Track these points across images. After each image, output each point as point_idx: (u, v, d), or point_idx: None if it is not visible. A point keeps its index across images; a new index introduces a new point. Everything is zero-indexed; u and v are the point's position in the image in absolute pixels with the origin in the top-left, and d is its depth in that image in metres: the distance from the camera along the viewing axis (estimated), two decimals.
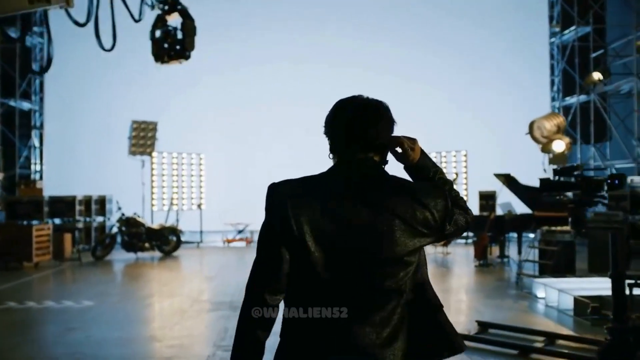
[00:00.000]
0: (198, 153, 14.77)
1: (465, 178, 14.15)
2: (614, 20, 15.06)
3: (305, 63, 15.33)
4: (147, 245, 12.07)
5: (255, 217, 14.92)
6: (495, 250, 10.61)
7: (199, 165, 14.78)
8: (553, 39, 16.19)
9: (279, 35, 15.59)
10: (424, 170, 1.70)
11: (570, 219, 4.56)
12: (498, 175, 11.16)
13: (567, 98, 15.75)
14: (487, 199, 13.41)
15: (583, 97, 15.06)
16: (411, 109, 15.52)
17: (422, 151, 1.71)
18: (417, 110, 15.27)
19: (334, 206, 1.56)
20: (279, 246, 1.57)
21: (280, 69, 15.33)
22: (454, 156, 14.16)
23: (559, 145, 11.99)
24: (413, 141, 1.70)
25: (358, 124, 1.63)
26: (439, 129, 15.38)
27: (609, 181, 4.60)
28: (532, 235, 12.83)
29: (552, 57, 16.30)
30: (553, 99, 16.21)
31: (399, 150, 1.68)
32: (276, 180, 1.64)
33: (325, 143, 1.70)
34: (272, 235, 1.59)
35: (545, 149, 12.33)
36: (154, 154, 14.02)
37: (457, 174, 12.33)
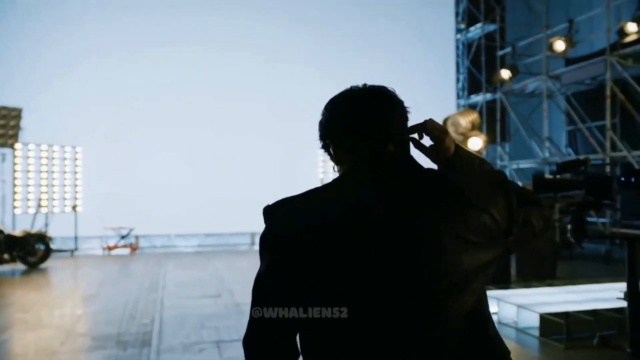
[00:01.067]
0: (73, 146, 12.62)
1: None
2: (522, 19, 14.99)
3: (208, 48, 13.66)
4: (6, 256, 9.90)
5: (141, 220, 13.11)
6: None
7: (74, 160, 12.61)
8: (459, 36, 15.86)
9: (172, 18, 13.80)
10: (464, 164, 1.26)
11: (569, 227, 3.57)
12: None
13: (473, 96, 15.47)
14: None
15: (489, 96, 14.82)
16: (315, 102, 14.54)
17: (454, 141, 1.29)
18: (320, 104, 14.29)
19: (360, 233, 1.15)
20: (290, 300, 1.17)
21: (179, 53, 13.54)
22: None
23: (476, 143, 11.41)
24: (443, 129, 1.27)
25: (366, 117, 1.24)
26: None
27: (622, 179, 3.66)
28: None
29: (458, 54, 15.97)
30: (459, 97, 15.88)
31: (425, 142, 1.28)
32: (269, 203, 1.24)
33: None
34: (279, 286, 1.18)
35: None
36: (18, 145, 11.73)
37: None
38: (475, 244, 1.18)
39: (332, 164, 1.30)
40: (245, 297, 6.74)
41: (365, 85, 1.30)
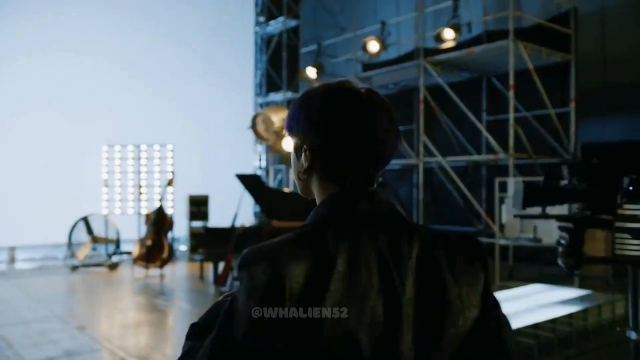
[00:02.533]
0: None
1: (169, 179, 11.39)
2: (321, 18, 14.52)
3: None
4: None
5: None
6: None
7: None
8: (257, 29, 14.79)
9: None
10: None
11: (560, 250, 2.63)
12: (240, 177, 8.91)
13: (272, 94, 14.53)
14: (199, 205, 11.01)
15: (289, 95, 14.03)
16: (104, 98, 12.08)
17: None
18: (109, 99, 11.95)
19: (369, 287, 0.93)
20: None
21: None
22: (158, 151, 11.27)
23: (290, 143, 10.41)
24: None
25: (375, 130, 1.03)
26: (135, 118, 12.26)
27: (631, 188, 2.84)
28: None
29: (257, 48, 14.87)
30: (258, 94, 14.78)
31: None
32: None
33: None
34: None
35: (275, 147, 10.61)
36: None
37: (173, 173, 9.55)
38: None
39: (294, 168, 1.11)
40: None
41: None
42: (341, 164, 1.03)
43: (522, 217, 4.32)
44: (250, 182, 8.35)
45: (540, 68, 9.59)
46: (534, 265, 9.72)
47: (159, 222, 8.99)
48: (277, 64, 14.42)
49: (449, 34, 9.82)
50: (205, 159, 12.56)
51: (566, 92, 10.13)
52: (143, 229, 10.38)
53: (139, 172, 11.11)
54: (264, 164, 14.77)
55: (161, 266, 8.90)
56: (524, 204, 2.83)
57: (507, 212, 8.29)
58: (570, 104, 10.06)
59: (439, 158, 10.17)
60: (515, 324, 4.76)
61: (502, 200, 8.40)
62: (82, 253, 9.89)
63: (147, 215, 9.21)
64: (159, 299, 7.54)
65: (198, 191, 11.22)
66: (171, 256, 9.14)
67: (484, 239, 9.82)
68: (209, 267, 8.95)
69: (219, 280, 7.64)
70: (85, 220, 10.07)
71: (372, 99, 1.06)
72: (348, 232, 0.96)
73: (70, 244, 9.99)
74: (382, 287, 0.93)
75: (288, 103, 13.82)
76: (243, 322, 0.90)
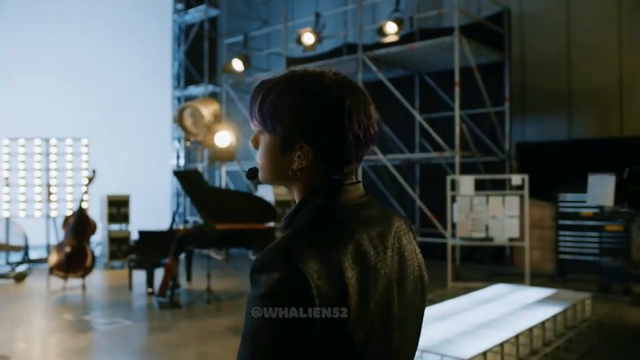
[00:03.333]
0: None
1: (89, 178, 10.16)
2: (241, 9, 13.81)
3: None
4: None
5: None
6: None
7: None
8: (176, 17, 13.75)
9: None
10: None
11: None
12: (179, 173, 8.06)
13: (192, 87, 13.56)
14: (119, 206, 9.94)
15: (210, 88, 13.17)
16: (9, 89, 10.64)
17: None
18: (9, 83, 10.53)
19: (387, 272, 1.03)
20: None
21: None
22: (70, 145, 10.02)
23: (224, 138, 9.61)
24: None
25: (364, 122, 1.06)
26: (44, 109, 10.87)
27: None
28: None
29: (174, 38, 13.82)
30: (176, 87, 13.73)
31: None
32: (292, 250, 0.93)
33: None
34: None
35: (207, 142, 9.77)
36: None
37: (95, 171, 8.41)
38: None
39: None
40: None
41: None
42: (342, 158, 1.05)
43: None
44: (190, 179, 7.53)
45: (475, 67, 9.57)
46: (470, 264, 9.69)
47: (80, 226, 7.90)
48: (196, 56, 13.50)
49: (391, 27, 9.52)
50: (122, 156, 11.42)
51: (502, 91, 10.22)
52: (55, 234, 9.15)
53: (48, 170, 9.82)
54: (182, 162, 13.77)
55: (83, 276, 7.81)
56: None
57: (459, 211, 8.11)
58: (505, 104, 10.17)
59: (380, 156, 9.87)
60: (511, 331, 4.46)
61: (453, 199, 8.22)
62: None
63: (66, 219, 8.07)
64: (91, 315, 6.54)
65: (115, 191, 10.11)
66: (94, 264, 8.07)
67: (430, 239, 9.65)
68: (137, 276, 8.01)
69: (160, 289, 6.76)
70: None
71: (364, 92, 1.08)
72: (350, 224, 1.01)
73: None
74: (382, 268, 1.01)
75: (211, 96, 12.95)
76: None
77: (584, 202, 7.83)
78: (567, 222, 8.47)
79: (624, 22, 9.72)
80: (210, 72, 13.15)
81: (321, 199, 1.03)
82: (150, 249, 7.15)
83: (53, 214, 9.85)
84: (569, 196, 8.42)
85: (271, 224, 7.47)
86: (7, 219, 9.14)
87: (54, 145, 9.87)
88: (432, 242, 9.60)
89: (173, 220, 7.33)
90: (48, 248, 9.79)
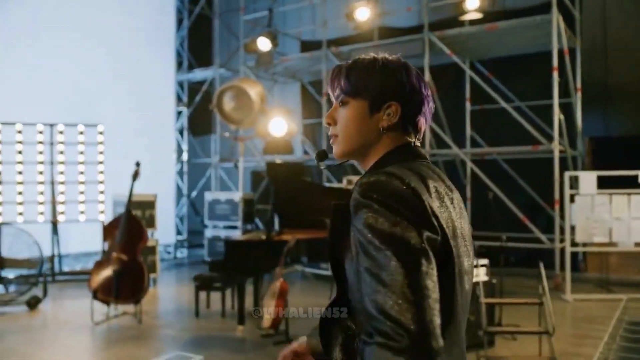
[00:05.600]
0: None
1: (102, 172, 8.16)
2: None
3: None
4: None
5: None
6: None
7: None
8: None
9: None
10: None
11: None
12: (272, 165, 6.43)
13: (197, 70, 11.70)
14: (145, 208, 8.07)
15: (222, 71, 11.41)
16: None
17: None
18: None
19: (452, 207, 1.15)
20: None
21: None
22: (81, 133, 8.02)
23: (280, 126, 7.96)
24: None
25: (431, 99, 1.28)
26: (53, 94, 8.73)
27: None
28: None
29: (179, 13, 11.87)
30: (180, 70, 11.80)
31: None
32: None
33: None
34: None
35: (260, 131, 8.07)
36: None
37: (139, 164, 6.49)
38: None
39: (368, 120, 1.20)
40: None
41: None
42: (419, 122, 1.22)
43: None
44: (285, 172, 5.92)
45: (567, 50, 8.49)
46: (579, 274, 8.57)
47: (131, 235, 6.04)
48: (201, 35, 11.68)
49: (472, 3, 8.27)
50: (121, 150, 9.45)
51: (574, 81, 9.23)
52: (57, 244, 7.18)
53: (52, 163, 7.78)
54: (185, 156, 11.87)
55: (137, 301, 5.97)
56: None
57: (578, 212, 7.00)
58: (577, 94, 9.21)
59: (456, 149, 8.60)
60: None
61: (572, 199, 7.09)
62: None
63: (110, 226, 6.16)
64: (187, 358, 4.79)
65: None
66: (149, 285, 6.25)
67: (533, 245, 8.40)
68: (205, 297, 6.28)
69: (273, 321, 5.09)
70: None
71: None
72: (427, 172, 1.14)
73: None
74: (452, 213, 1.12)
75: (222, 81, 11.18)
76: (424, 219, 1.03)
77: None
78: None
79: None
80: (222, 53, 11.38)
81: (404, 152, 1.18)
82: (241, 264, 5.47)
83: (60, 218, 7.83)
84: None
85: None
86: (11, 225, 7.04)
87: (61, 132, 7.83)
88: (531, 247, 8.35)
89: (270, 225, 5.63)
90: (54, 262, 7.78)
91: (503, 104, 8.48)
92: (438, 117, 9.48)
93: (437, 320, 0.94)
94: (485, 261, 5.01)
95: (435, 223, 1.02)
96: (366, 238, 0.98)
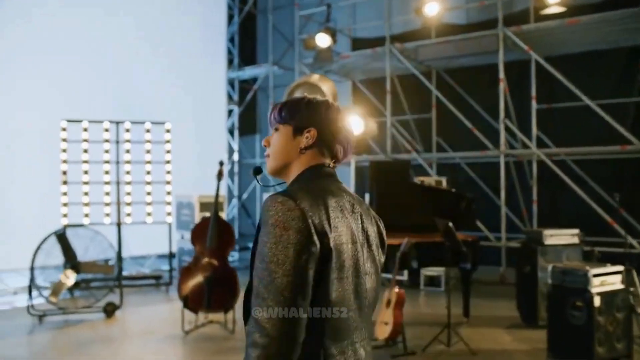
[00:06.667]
0: None
1: (169, 172, 7.81)
2: None
3: None
4: None
5: None
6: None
7: None
8: None
9: None
10: None
11: None
12: (375, 164, 6.08)
13: (248, 68, 11.35)
14: (208, 208, 7.72)
15: (275, 69, 11.05)
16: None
17: None
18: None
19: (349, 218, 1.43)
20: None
21: None
22: (148, 131, 7.68)
23: (357, 125, 7.58)
24: None
25: (349, 130, 1.56)
26: (113, 91, 8.40)
27: None
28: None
29: (229, 9, 11.52)
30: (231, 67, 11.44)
31: None
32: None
33: None
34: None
35: None
36: None
37: (222, 163, 6.12)
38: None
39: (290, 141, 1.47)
40: None
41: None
42: (333, 145, 1.48)
43: None
44: (389, 172, 5.55)
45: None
46: None
47: (221, 239, 5.67)
48: (246, 32, 11.34)
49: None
50: (192, 148, 9.11)
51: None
52: (118, 246, 6.79)
53: (118, 162, 7.43)
54: (236, 157, 11.52)
55: (228, 310, 5.60)
56: None
57: None
58: None
59: (534, 149, 8.21)
60: None
61: None
62: (59, 290, 6.09)
63: (197, 229, 5.79)
64: None
65: (187, 191, 7.89)
66: (239, 292, 5.89)
67: (616, 249, 8.00)
68: None
69: (392, 333, 4.71)
70: (60, 236, 6.22)
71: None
72: (332, 185, 1.43)
73: (32, 279, 6.11)
74: (352, 224, 1.40)
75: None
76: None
77: None
78: None
79: None
80: (275, 50, 11.02)
81: (315, 171, 1.44)
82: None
83: (127, 220, 7.48)
84: None
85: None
86: (85, 227, 6.66)
87: (127, 130, 7.48)
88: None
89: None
90: (121, 266, 7.43)
91: (587, 101, 8.08)
92: (509, 116, 9.11)
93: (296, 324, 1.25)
94: (618, 267, 4.64)
95: (316, 238, 1.27)
96: (261, 248, 1.28)
